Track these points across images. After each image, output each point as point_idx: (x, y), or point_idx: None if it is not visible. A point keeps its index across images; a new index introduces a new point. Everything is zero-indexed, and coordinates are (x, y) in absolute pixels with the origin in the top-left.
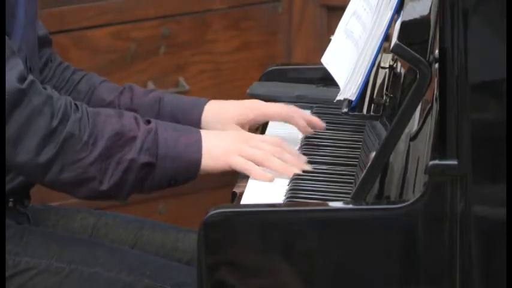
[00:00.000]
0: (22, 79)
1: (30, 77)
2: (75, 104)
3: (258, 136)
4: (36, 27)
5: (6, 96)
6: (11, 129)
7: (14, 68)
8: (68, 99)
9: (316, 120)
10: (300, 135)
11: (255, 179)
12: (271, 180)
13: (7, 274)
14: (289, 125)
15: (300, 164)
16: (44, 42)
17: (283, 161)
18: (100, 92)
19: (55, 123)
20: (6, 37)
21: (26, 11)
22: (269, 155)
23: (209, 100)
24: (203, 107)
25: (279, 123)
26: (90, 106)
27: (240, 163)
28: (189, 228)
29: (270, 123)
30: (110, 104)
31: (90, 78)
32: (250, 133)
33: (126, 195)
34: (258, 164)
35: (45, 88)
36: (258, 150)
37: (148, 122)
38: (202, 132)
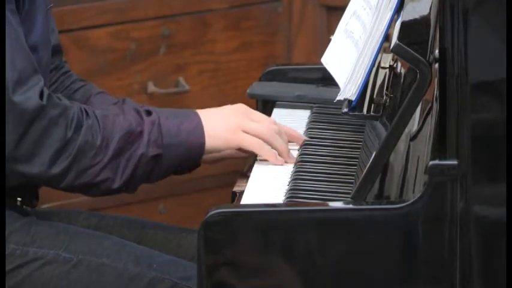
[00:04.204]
0: (42, 94)
1: (46, 90)
2: (85, 110)
3: (253, 110)
4: (50, 47)
5: (27, 114)
6: (25, 144)
7: (37, 85)
8: (78, 106)
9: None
10: (303, 130)
11: (264, 158)
12: (279, 163)
13: (15, 264)
14: (293, 116)
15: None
16: (55, 51)
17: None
18: (94, 103)
19: (69, 133)
20: (31, 54)
21: (43, 23)
22: (273, 132)
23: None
24: None
25: (285, 111)
26: None
27: (248, 141)
28: (190, 228)
29: (275, 111)
30: None
31: (88, 89)
32: (245, 106)
33: (135, 188)
34: (263, 141)
35: (59, 98)
36: (260, 124)
37: (149, 112)
38: (200, 113)
